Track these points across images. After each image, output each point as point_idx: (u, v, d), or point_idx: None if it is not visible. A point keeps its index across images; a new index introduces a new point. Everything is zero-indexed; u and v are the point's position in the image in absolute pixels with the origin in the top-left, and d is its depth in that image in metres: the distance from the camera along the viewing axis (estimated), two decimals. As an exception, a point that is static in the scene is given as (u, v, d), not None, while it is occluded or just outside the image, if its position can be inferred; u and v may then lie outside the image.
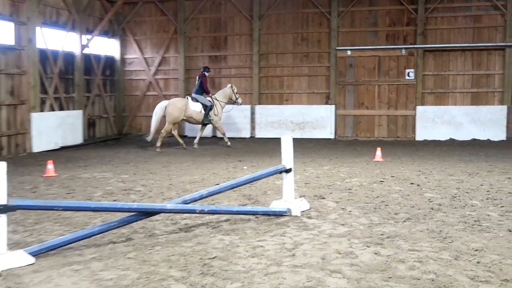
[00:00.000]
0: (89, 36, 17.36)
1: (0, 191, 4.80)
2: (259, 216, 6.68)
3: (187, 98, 15.09)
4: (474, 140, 16.27)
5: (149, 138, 15.13)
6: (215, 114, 15.12)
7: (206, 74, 15.21)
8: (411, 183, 9.01)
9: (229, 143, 15.51)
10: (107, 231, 5.69)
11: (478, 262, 4.79)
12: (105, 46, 18.96)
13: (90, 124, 17.96)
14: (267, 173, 6.78)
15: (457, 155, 13.07)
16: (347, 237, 5.70)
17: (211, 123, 15.14)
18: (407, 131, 17.11)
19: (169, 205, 5.96)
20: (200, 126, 15.47)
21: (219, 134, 16.74)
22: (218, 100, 15.23)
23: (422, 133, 16.81)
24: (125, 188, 8.94)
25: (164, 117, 14.90)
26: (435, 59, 16.88)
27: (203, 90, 15.06)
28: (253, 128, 18.08)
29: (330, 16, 17.40)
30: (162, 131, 14.79)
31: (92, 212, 6.79)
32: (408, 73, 16.99)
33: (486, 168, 10.81)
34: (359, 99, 17.42)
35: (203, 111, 14.91)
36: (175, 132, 15.42)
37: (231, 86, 15.50)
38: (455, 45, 16.57)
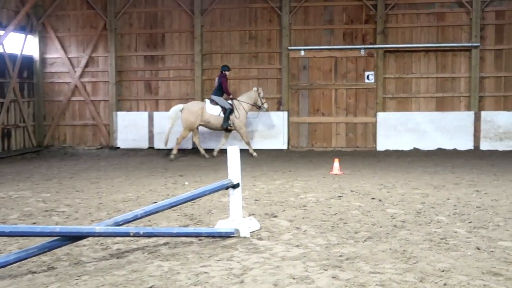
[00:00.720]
0: (2, 32, 16.91)
1: None
2: (202, 238, 6.66)
3: (205, 101, 15.64)
4: (440, 149, 16.79)
5: (172, 156, 15.45)
6: (236, 118, 15.51)
7: (227, 73, 15.82)
8: (372, 198, 9.21)
9: (255, 154, 15.76)
10: (25, 259, 5.53)
11: (445, 284, 4.95)
12: (22, 44, 18.51)
13: (4, 134, 17.46)
14: (211, 189, 6.78)
15: (422, 166, 13.46)
16: (302, 260, 5.76)
17: (232, 129, 15.67)
18: (367, 140, 17.48)
19: (98, 228, 5.86)
20: (224, 132, 16.03)
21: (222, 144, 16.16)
22: (240, 102, 15.66)
23: (383, 142, 17.22)
24: (46, 208, 8.73)
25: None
26: (396, 60, 17.37)
27: (223, 91, 15.53)
28: (195, 138, 18.03)
29: (281, 12, 17.64)
30: (178, 137, 15.59)
31: (6, 237, 6.60)
32: (368, 76, 17.40)
33: (453, 180, 11.18)
34: (314, 105, 17.69)
35: (222, 115, 15.38)
36: (196, 140, 15.89)
37: (257, 89, 15.98)
38: (418, 45, 17.11)
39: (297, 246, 6.33)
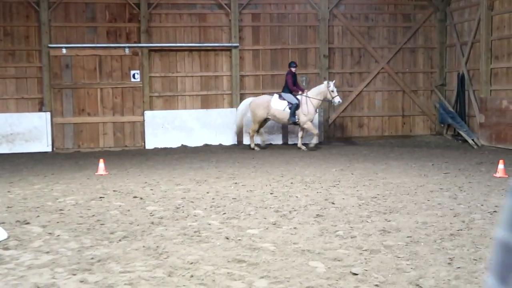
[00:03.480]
0: None
1: None
2: None
3: (273, 95, 16.11)
4: (206, 145, 17.37)
5: (255, 147, 16.13)
6: (304, 114, 15.36)
7: (293, 69, 16.00)
8: (134, 197, 9.15)
9: (313, 142, 15.90)
10: None
11: (192, 276, 5.07)
12: None
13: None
14: None
15: (188, 162, 13.77)
16: (51, 267, 5.48)
17: (298, 123, 15.57)
18: (135, 139, 17.41)
19: None
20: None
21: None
22: (309, 98, 15.37)
23: (152, 141, 17.29)
24: None
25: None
26: (161, 59, 17.54)
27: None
28: None
29: (39, 8, 16.70)
30: (250, 130, 16.33)
31: None
32: (134, 74, 17.32)
33: (215, 174, 11.61)
34: (79, 105, 17.10)
35: (287, 110, 15.35)
36: (255, 133, 16.37)
37: (327, 83, 15.46)
38: (181, 44, 17.48)
39: (47, 252, 6.01)
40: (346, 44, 18.44)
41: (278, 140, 17.72)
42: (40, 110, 16.88)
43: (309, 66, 18.29)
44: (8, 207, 8.56)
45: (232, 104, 17.80)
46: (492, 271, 0.68)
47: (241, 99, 17.78)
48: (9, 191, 10.02)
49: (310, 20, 18.27)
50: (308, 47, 18.25)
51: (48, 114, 16.77)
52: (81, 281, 5.03)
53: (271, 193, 9.24)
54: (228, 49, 17.75)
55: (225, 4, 17.65)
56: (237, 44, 17.63)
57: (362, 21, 18.53)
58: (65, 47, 16.86)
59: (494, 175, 10.74)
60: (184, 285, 4.85)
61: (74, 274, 5.24)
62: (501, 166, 10.80)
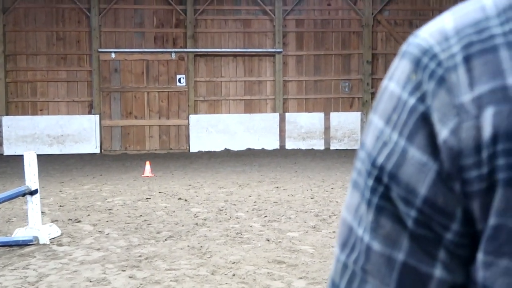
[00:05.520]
0: None
1: None
2: (-2, 248, 6.44)
3: None
4: (249, 149, 17.67)
5: None
6: None
7: None
8: (179, 199, 9.50)
9: None
10: None
11: (234, 275, 5.34)
12: None
13: None
14: (6, 197, 6.57)
15: (231, 166, 14.09)
16: (101, 263, 5.84)
17: None
18: (180, 142, 17.84)
19: None
20: None
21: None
22: None
23: (196, 144, 17.69)
24: None
25: None
26: (206, 64, 17.94)
27: None
28: (0, 144, 17.04)
29: (89, 13, 17.32)
30: None
31: None
32: (179, 79, 17.76)
33: (257, 178, 11.88)
34: (126, 108, 17.64)
35: None
36: None
37: None
38: (226, 50, 17.84)
39: (98, 249, 6.39)
40: (389, 50, 18.48)
41: (320, 145, 17.88)
42: (90, 112, 17.50)
43: (352, 72, 18.40)
44: (60, 205, 9.02)
45: (275, 109, 18.06)
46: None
47: (284, 104, 18.04)
48: (60, 191, 10.51)
49: (353, 26, 18.39)
50: (351, 53, 18.37)
51: (97, 116, 17.37)
52: (130, 277, 5.36)
53: (311, 198, 9.45)
54: (272, 55, 18.02)
55: (270, 10, 17.93)
56: (281, 50, 17.89)
57: (406, 27, 18.53)
58: (114, 52, 17.43)
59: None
60: (226, 283, 5.13)
61: (123, 270, 5.58)
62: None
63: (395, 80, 0.67)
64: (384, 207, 0.65)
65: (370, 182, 0.66)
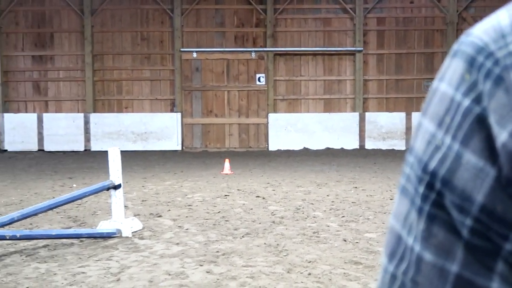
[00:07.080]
0: None
1: None
2: (83, 239, 6.72)
3: None
4: (328, 148, 17.56)
5: None
6: None
7: None
8: (257, 196, 9.57)
9: None
10: None
11: (310, 274, 5.33)
12: None
13: None
14: (91, 191, 6.85)
15: (310, 165, 14.05)
16: (180, 257, 5.98)
17: None
18: (259, 140, 17.98)
19: (-28, 232, 5.79)
20: None
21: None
22: None
23: (275, 143, 17.77)
24: None
25: None
26: (286, 63, 17.98)
27: None
28: (87, 140, 17.78)
29: (172, 14, 17.76)
30: None
31: None
32: (259, 78, 17.89)
33: (335, 178, 11.80)
34: (207, 106, 17.96)
35: None
36: None
37: None
38: (305, 49, 17.81)
39: (177, 244, 6.54)
40: (475, 48, 17.84)
41: (401, 146, 17.53)
42: (172, 110, 17.95)
43: (435, 71, 17.88)
44: (142, 200, 9.31)
45: (354, 108, 17.85)
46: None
47: (364, 104, 17.80)
48: (143, 186, 10.83)
49: (437, 23, 17.90)
50: (434, 51, 17.89)
51: (179, 114, 17.79)
52: (207, 272, 5.46)
53: (391, 199, 9.28)
54: (352, 53, 17.83)
55: (350, 8, 17.75)
56: (361, 48, 17.67)
57: (494, 24, 17.83)
58: (196, 51, 17.79)
59: None
60: (302, 282, 5.12)
61: (201, 265, 5.68)
62: None
63: (447, 81, 0.63)
64: (436, 215, 0.62)
65: (421, 188, 0.63)
